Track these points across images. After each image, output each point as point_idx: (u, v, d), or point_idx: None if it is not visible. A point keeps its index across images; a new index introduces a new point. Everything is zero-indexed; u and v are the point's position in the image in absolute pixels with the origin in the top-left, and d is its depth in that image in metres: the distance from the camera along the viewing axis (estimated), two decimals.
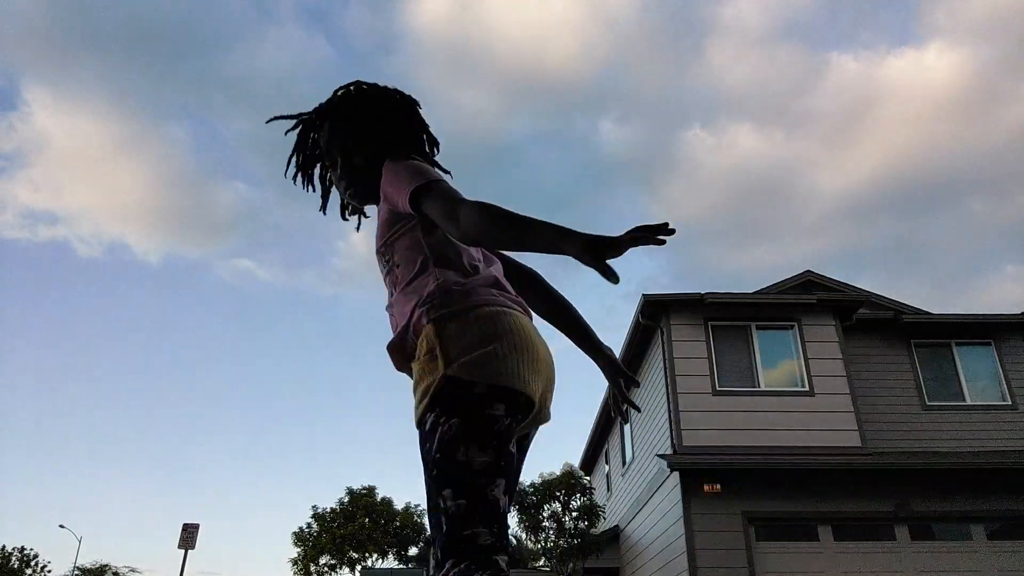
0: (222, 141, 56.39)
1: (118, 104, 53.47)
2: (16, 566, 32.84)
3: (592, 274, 1.42)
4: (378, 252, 1.45)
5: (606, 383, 1.59)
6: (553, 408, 1.37)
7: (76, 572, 31.29)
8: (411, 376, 1.30)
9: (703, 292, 10.54)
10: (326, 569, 26.34)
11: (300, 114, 1.59)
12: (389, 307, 1.40)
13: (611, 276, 1.02)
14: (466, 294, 1.27)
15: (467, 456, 1.13)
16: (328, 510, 26.74)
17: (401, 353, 1.34)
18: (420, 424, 1.20)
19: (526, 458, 1.40)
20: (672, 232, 1.01)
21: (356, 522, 26.38)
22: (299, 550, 26.76)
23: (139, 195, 58.01)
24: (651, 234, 0.99)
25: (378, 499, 27.34)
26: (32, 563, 33.47)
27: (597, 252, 1.00)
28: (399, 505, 27.54)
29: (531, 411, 1.25)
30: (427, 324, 1.25)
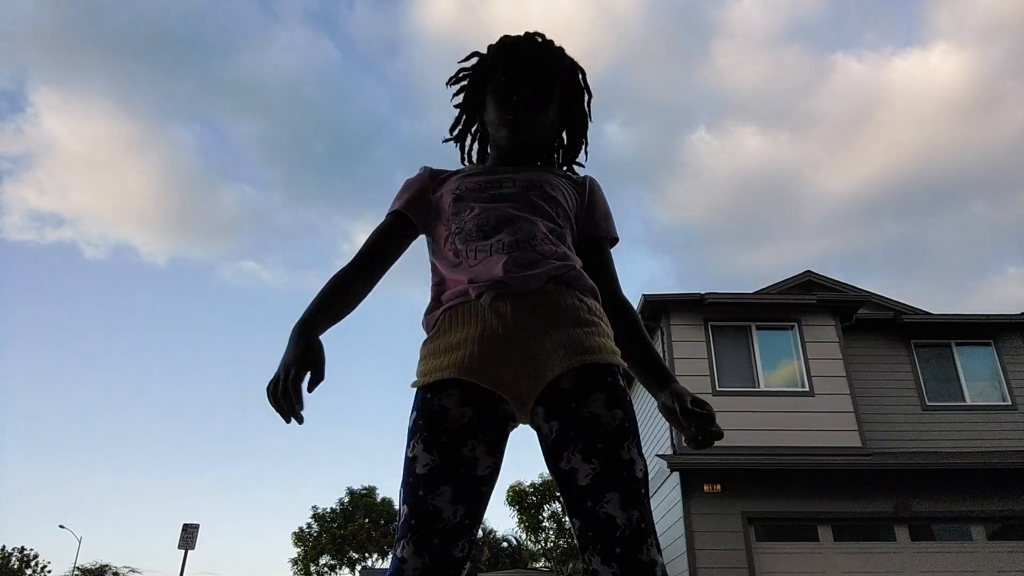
0: (228, 143, 56.51)
1: (125, 107, 53.58)
2: (16, 566, 32.85)
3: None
4: (563, 207, 1.38)
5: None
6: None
7: (76, 572, 31.28)
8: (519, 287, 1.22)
9: (703, 292, 10.54)
10: (326, 569, 26.37)
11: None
12: (539, 240, 1.29)
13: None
14: None
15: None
16: (328, 510, 26.78)
17: (566, 278, 1.26)
18: (616, 368, 1.20)
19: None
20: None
21: (356, 522, 26.39)
22: (299, 550, 26.79)
23: (145, 197, 58.15)
24: None
25: (378, 499, 27.35)
26: (32, 563, 33.49)
27: None
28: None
29: None
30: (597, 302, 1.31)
